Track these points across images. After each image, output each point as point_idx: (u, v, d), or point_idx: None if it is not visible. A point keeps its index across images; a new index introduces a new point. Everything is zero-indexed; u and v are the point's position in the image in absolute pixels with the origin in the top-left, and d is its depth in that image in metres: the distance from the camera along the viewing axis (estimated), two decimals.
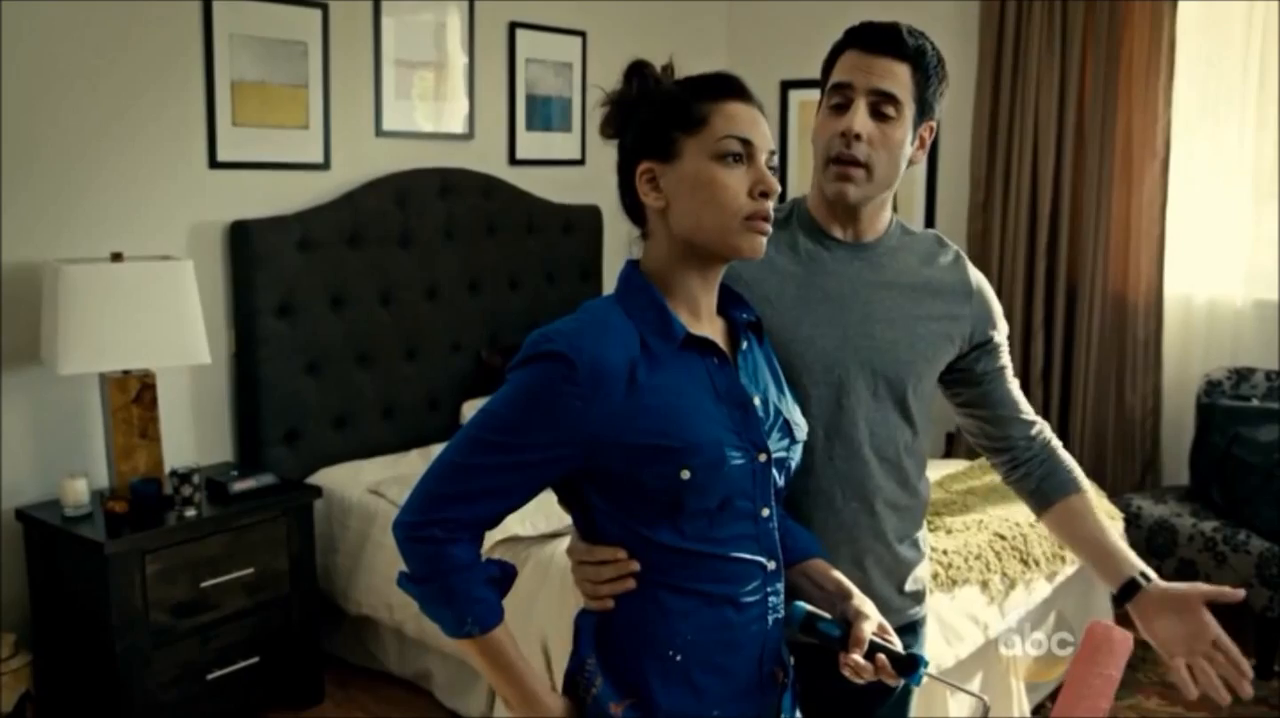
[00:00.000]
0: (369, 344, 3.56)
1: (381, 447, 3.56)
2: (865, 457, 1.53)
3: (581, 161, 4.31)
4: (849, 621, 1.28)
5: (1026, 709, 2.72)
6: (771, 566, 1.31)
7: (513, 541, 2.80)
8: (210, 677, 2.84)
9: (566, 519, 1.39)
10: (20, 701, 2.76)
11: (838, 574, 1.38)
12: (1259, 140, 3.91)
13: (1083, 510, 1.67)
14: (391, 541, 1.27)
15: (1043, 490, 1.69)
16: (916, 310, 1.54)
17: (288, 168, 3.41)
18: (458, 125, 3.93)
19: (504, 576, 1.28)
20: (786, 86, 4.80)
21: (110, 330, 2.72)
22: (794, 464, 1.37)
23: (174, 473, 2.85)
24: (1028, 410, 1.70)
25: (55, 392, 2.92)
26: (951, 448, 4.36)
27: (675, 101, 1.28)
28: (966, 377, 1.64)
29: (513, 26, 4.07)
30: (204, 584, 2.81)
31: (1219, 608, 1.53)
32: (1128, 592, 1.59)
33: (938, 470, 3.27)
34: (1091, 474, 4.01)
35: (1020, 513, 3.07)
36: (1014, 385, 1.69)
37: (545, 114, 4.23)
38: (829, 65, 1.53)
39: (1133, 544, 3.49)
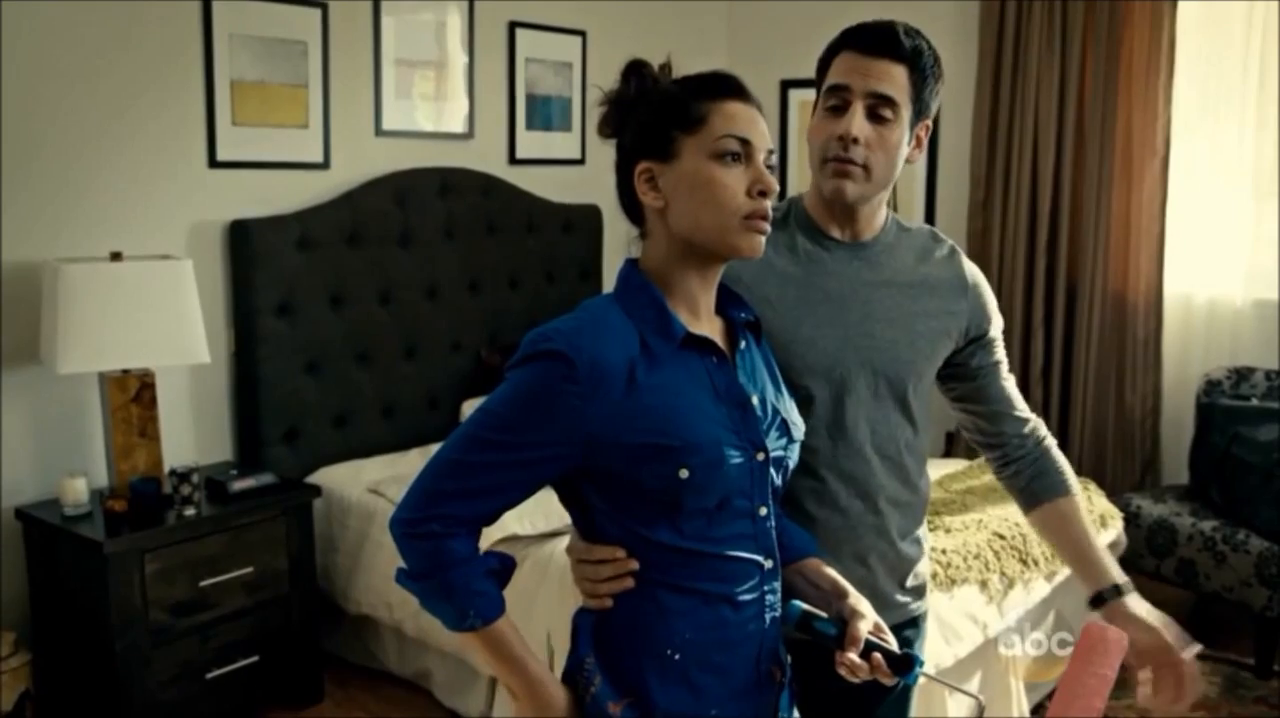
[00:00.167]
0: (369, 343, 3.56)
1: (381, 446, 3.56)
2: (867, 456, 1.53)
3: (581, 161, 4.31)
4: (845, 619, 1.29)
5: (1025, 709, 2.72)
6: (769, 564, 1.32)
7: (512, 539, 2.80)
8: (209, 676, 2.84)
9: (566, 518, 1.39)
10: (20, 699, 2.76)
11: (833, 573, 1.38)
12: (1259, 139, 3.91)
13: (1070, 514, 1.68)
14: (391, 539, 1.27)
15: (1032, 489, 1.69)
16: (914, 308, 1.55)
17: (287, 167, 3.41)
18: (458, 125, 3.94)
19: (503, 567, 1.28)
20: (786, 86, 4.80)
21: (110, 330, 2.72)
22: (792, 463, 1.37)
23: (173, 472, 2.85)
24: (1023, 408, 1.70)
25: (55, 391, 2.93)
26: (951, 447, 4.36)
27: (673, 101, 1.28)
28: (961, 371, 1.64)
29: (512, 26, 4.07)
30: (203, 583, 2.81)
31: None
32: (1098, 601, 1.65)
33: (937, 470, 3.27)
34: (1091, 474, 4.03)
35: (1019, 513, 3.06)
36: (1009, 382, 1.69)
37: (545, 113, 4.23)
38: (824, 65, 1.53)
39: (1132, 543, 3.53)
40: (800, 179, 4.79)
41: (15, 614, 2.88)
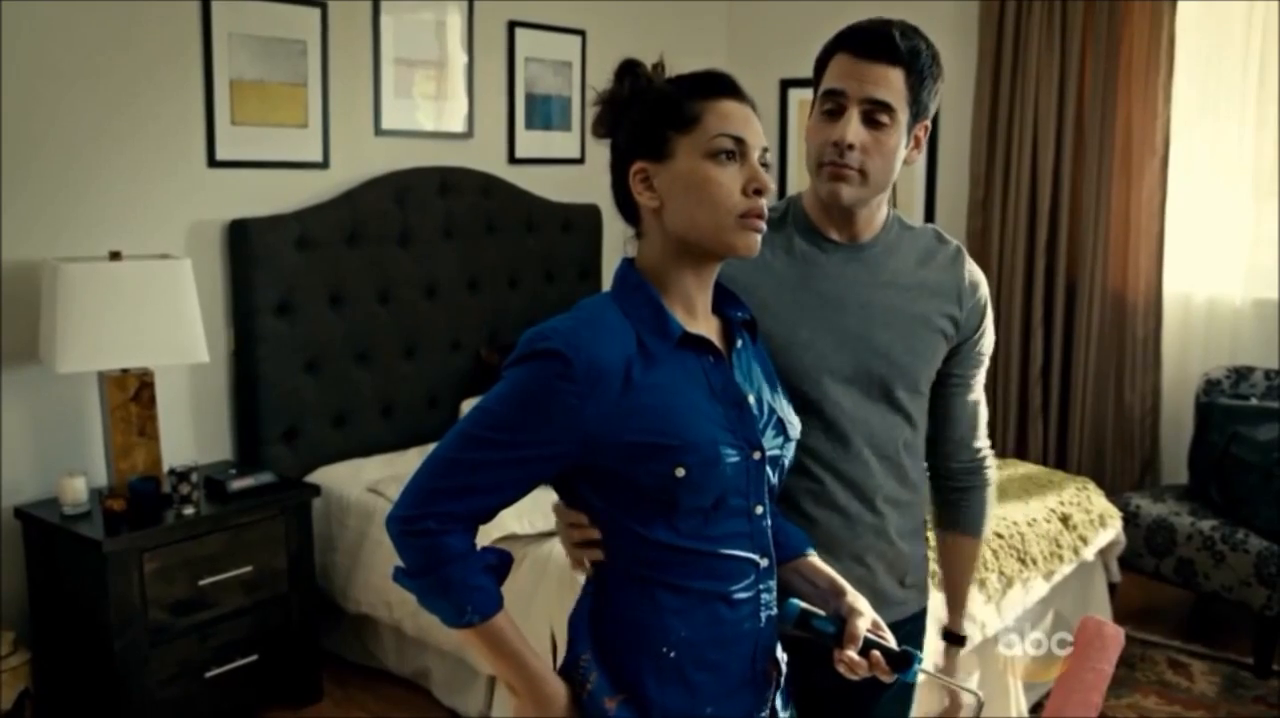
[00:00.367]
0: (368, 343, 3.56)
1: (380, 445, 3.56)
2: (865, 457, 1.53)
3: (581, 160, 4.31)
4: (843, 617, 1.29)
5: (1024, 709, 2.71)
6: (764, 563, 1.32)
7: (511, 539, 2.80)
8: (209, 675, 2.84)
9: None
10: (19, 698, 2.76)
11: (830, 571, 1.39)
12: (1259, 139, 3.91)
13: (969, 555, 1.74)
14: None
15: (950, 516, 1.72)
16: (912, 310, 1.54)
17: (286, 166, 3.41)
18: (457, 124, 3.94)
19: (500, 563, 1.28)
20: (786, 85, 4.80)
21: (109, 329, 2.72)
22: (788, 462, 1.37)
23: (172, 471, 2.85)
24: (975, 439, 1.68)
25: (54, 390, 2.93)
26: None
27: (667, 100, 1.28)
28: (935, 380, 1.62)
29: (512, 25, 4.07)
30: (202, 583, 2.81)
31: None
32: (946, 636, 1.79)
33: None
34: (1090, 473, 4.04)
35: (1018, 512, 3.07)
36: (974, 407, 1.67)
37: (545, 113, 4.23)
38: (820, 66, 1.52)
39: (1131, 543, 3.54)
40: (800, 178, 4.79)
41: (15, 613, 2.88)
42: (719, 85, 1.29)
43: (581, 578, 1.34)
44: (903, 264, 1.57)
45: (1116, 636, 1.53)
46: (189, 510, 2.82)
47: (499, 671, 1.30)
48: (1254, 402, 3.69)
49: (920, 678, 1.54)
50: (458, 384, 3.81)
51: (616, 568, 1.28)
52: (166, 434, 3.01)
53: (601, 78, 1.35)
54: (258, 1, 3.26)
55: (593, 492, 1.27)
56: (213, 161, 3.23)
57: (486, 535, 2.71)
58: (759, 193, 1.26)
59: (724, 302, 1.38)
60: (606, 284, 1.36)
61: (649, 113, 1.28)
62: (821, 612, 1.30)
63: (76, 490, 2.77)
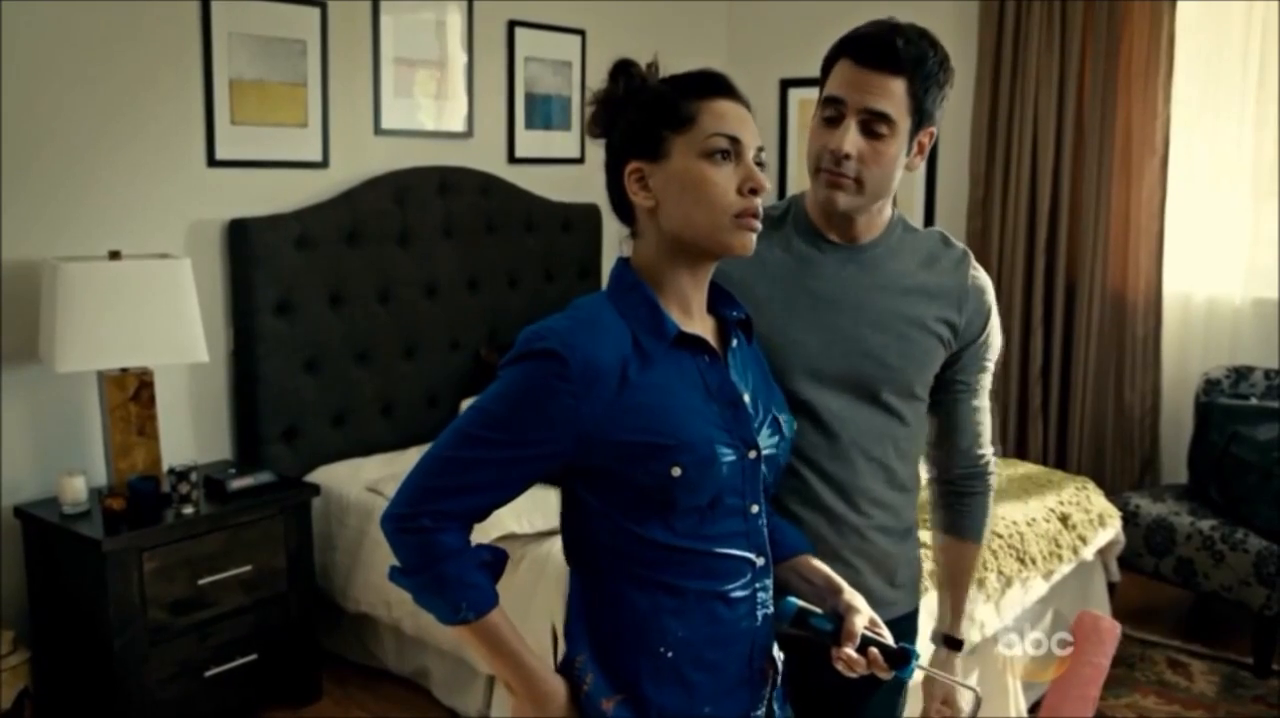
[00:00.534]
0: (368, 342, 3.56)
1: (380, 445, 3.56)
2: (852, 457, 1.53)
3: (580, 160, 4.31)
4: (840, 615, 1.29)
5: (1023, 708, 2.72)
6: (760, 562, 1.32)
7: (510, 538, 2.80)
8: (208, 674, 2.85)
9: None
10: (19, 698, 2.76)
11: (827, 570, 1.39)
12: (1258, 138, 3.91)
13: (968, 560, 1.73)
14: None
15: (950, 521, 1.72)
16: (909, 313, 1.53)
17: (286, 166, 3.41)
18: (457, 124, 3.94)
19: (495, 560, 1.28)
20: (786, 85, 4.80)
21: (108, 328, 2.72)
22: (783, 461, 1.38)
23: (172, 471, 2.85)
24: (978, 446, 1.67)
25: (53, 390, 2.93)
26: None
27: (662, 100, 1.28)
28: (936, 381, 1.62)
29: (512, 25, 4.07)
30: (202, 582, 2.81)
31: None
32: (938, 638, 1.76)
33: None
34: (1090, 472, 4.04)
35: (1017, 512, 3.07)
36: (978, 414, 1.66)
37: (544, 112, 4.23)
38: (825, 69, 1.51)
39: (1131, 543, 3.54)
40: (800, 178, 4.79)
41: (14, 612, 2.88)
42: (714, 85, 1.29)
43: None
44: (903, 267, 1.55)
45: (1113, 629, 1.54)
46: (188, 510, 2.82)
47: (495, 668, 1.30)
48: (1254, 401, 3.69)
49: (918, 676, 1.54)
50: (457, 384, 3.81)
51: (613, 568, 1.28)
52: (166, 434, 3.01)
53: (601, 78, 1.35)
54: (257, 1, 3.27)
55: (589, 491, 1.27)
56: (212, 161, 3.23)
57: (485, 535, 2.73)
58: (754, 192, 1.26)
59: (719, 301, 1.38)
60: (606, 284, 1.36)
61: (644, 112, 1.28)
62: (819, 610, 1.30)
63: (76, 490, 2.77)
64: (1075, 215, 4.21)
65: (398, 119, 3.72)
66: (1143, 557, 3.60)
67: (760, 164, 1.28)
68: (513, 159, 4.12)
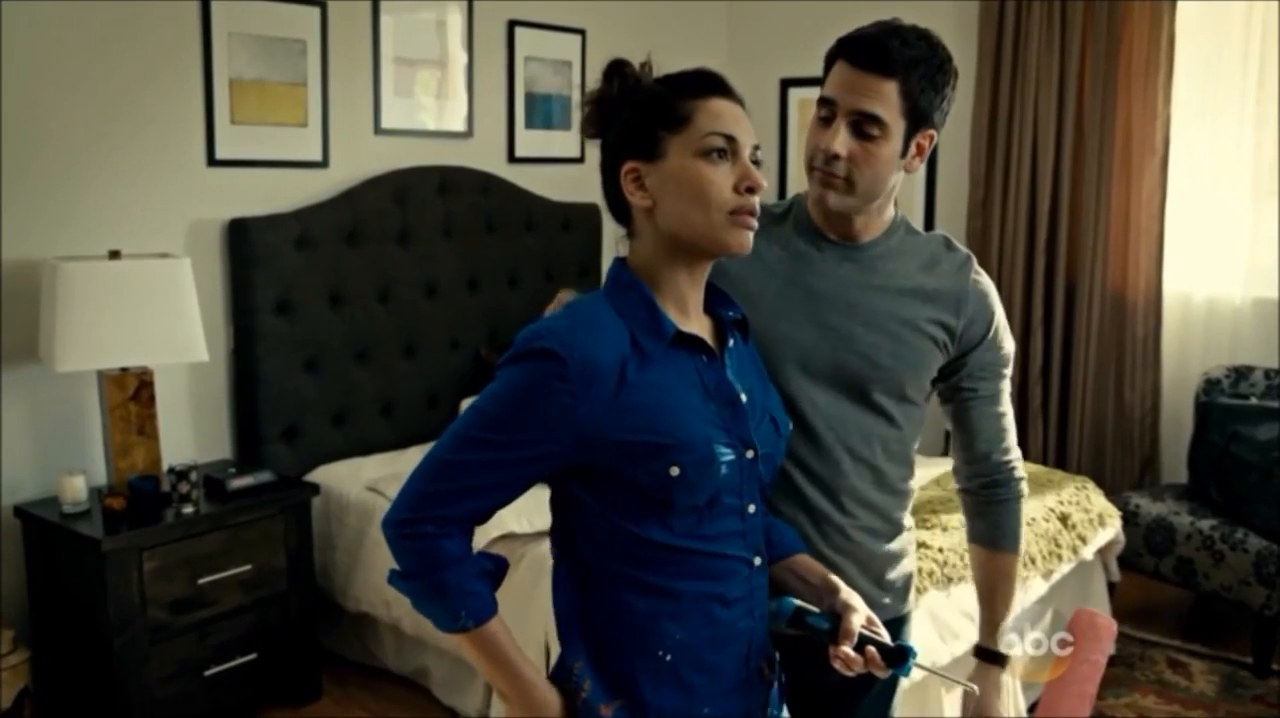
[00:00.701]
0: (368, 342, 3.56)
1: (380, 444, 3.56)
2: (837, 456, 1.52)
3: (580, 159, 4.31)
4: (837, 614, 1.29)
5: (1023, 708, 2.72)
6: (757, 562, 1.32)
7: (509, 538, 2.80)
8: (208, 673, 2.85)
9: None
10: (19, 697, 2.77)
11: (823, 569, 1.39)
12: (1258, 138, 3.91)
13: (1006, 570, 1.68)
14: None
15: (984, 530, 1.68)
16: (904, 314, 1.52)
17: (286, 166, 3.41)
18: (457, 123, 3.94)
19: (496, 568, 1.28)
20: (786, 85, 4.80)
21: (108, 328, 2.72)
22: (779, 461, 1.38)
23: (172, 470, 2.85)
24: (1002, 451, 1.64)
25: (53, 389, 2.93)
26: (950, 446, 4.36)
27: (658, 100, 1.27)
28: (945, 389, 1.61)
29: (512, 25, 4.07)
30: (201, 581, 2.81)
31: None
32: (983, 653, 1.68)
33: (936, 469, 3.27)
34: (1090, 472, 4.04)
35: None
36: (998, 419, 1.63)
37: (545, 112, 4.23)
38: (826, 68, 1.50)
39: (1130, 542, 3.54)
40: (800, 178, 4.79)
41: (14, 612, 2.88)
42: (709, 84, 1.29)
43: None
44: (901, 268, 1.55)
45: (1109, 626, 1.54)
46: (188, 509, 2.83)
47: (491, 676, 1.29)
48: (1254, 401, 3.69)
49: (917, 675, 1.54)
50: (457, 383, 3.81)
51: (609, 569, 1.28)
52: (166, 433, 3.02)
53: (600, 77, 1.35)
54: (257, 1, 3.27)
55: (586, 491, 1.27)
56: (212, 161, 3.23)
57: (485, 534, 2.73)
58: (751, 191, 1.26)
59: (716, 301, 1.37)
60: None
61: (639, 113, 1.28)
62: (815, 609, 1.30)
63: (76, 489, 2.78)
64: (1075, 215, 4.21)
65: (398, 119, 3.73)
66: (1143, 557, 3.60)
67: (757, 163, 1.28)
68: (513, 159, 4.12)
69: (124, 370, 2.85)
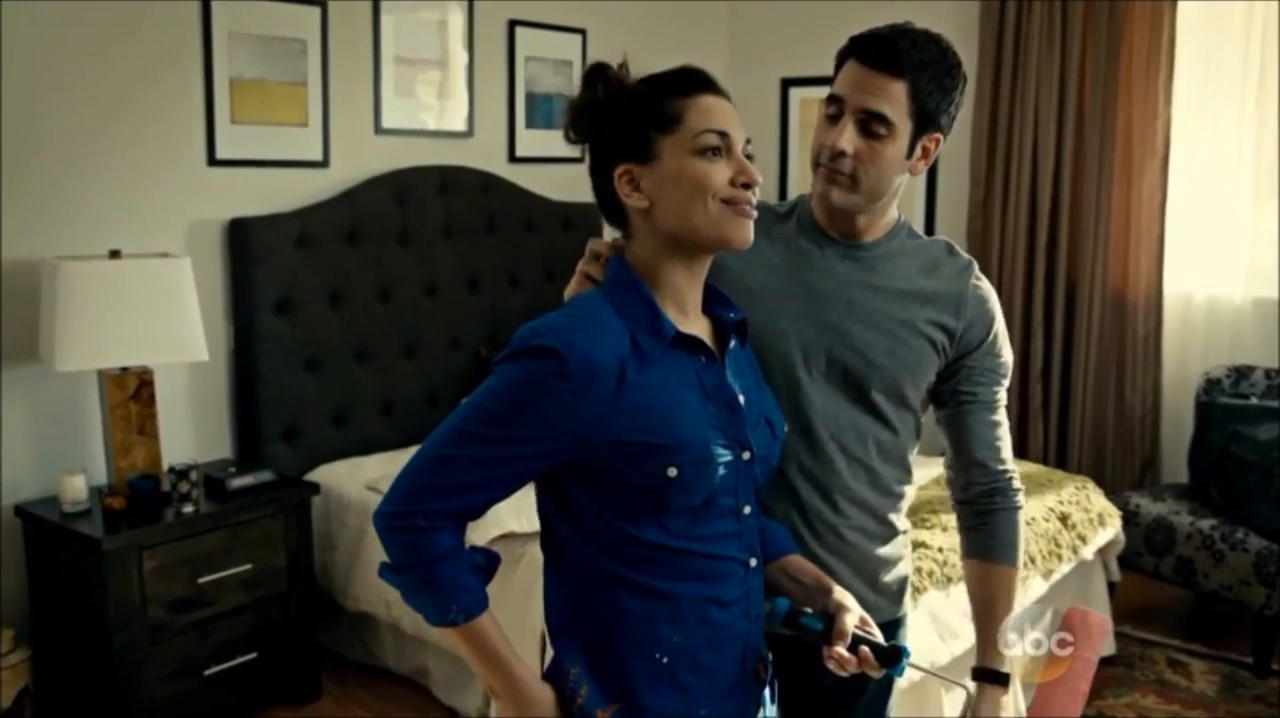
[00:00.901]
0: (368, 341, 3.56)
1: (380, 443, 3.56)
2: (830, 454, 1.51)
3: (581, 159, 4.26)
4: (831, 614, 1.29)
5: (1023, 708, 2.72)
6: (753, 563, 1.32)
7: (509, 537, 2.80)
8: (208, 672, 2.85)
9: None
10: (19, 696, 2.77)
11: (816, 569, 1.39)
12: (1258, 138, 3.91)
13: (1000, 582, 1.60)
14: None
15: (979, 542, 1.62)
16: (902, 316, 1.52)
17: (286, 165, 3.41)
18: (457, 123, 3.94)
19: (488, 563, 1.28)
20: (787, 84, 4.80)
21: (108, 327, 2.72)
22: (774, 462, 1.38)
23: (172, 469, 2.85)
24: (997, 461, 1.60)
25: (54, 389, 2.93)
26: (945, 457, 4.37)
27: (646, 102, 1.27)
28: (940, 395, 1.59)
29: (512, 24, 4.07)
30: (202, 580, 2.82)
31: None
32: (982, 674, 1.59)
33: (936, 468, 3.25)
34: (1091, 472, 4.04)
35: None
36: (993, 428, 1.60)
37: (545, 112, 4.23)
38: (837, 66, 1.50)
39: (1131, 542, 3.54)
40: (800, 177, 4.79)
41: (14, 611, 2.89)
42: (696, 81, 1.28)
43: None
44: (903, 270, 1.55)
45: (1101, 624, 1.53)
46: (188, 509, 2.83)
47: (481, 672, 1.28)
48: (1254, 401, 3.69)
49: (915, 675, 1.54)
50: (457, 383, 3.81)
51: (605, 570, 1.27)
52: (166, 432, 3.02)
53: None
54: (258, 1, 3.27)
55: (582, 490, 1.26)
56: (213, 160, 3.23)
57: (484, 533, 2.73)
58: (747, 186, 1.26)
59: (714, 302, 1.37)
60: None
61: (628, 116, 1.28)
62: (809, 609, 1.30)
63: (76, 489, 2.78)
64: (1076, 216, 4.21)
65: (398, 118, 3.73)
66: (1143, 556, 3.60)
67: (750, 157, 1.28)
68: (513, 158, 4.12)
69: (124, 370, 2.85)
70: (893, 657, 1.26)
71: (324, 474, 3.34)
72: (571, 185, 4.24)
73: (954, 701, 2.56)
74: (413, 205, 3.67)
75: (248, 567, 2.91)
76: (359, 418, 3.55)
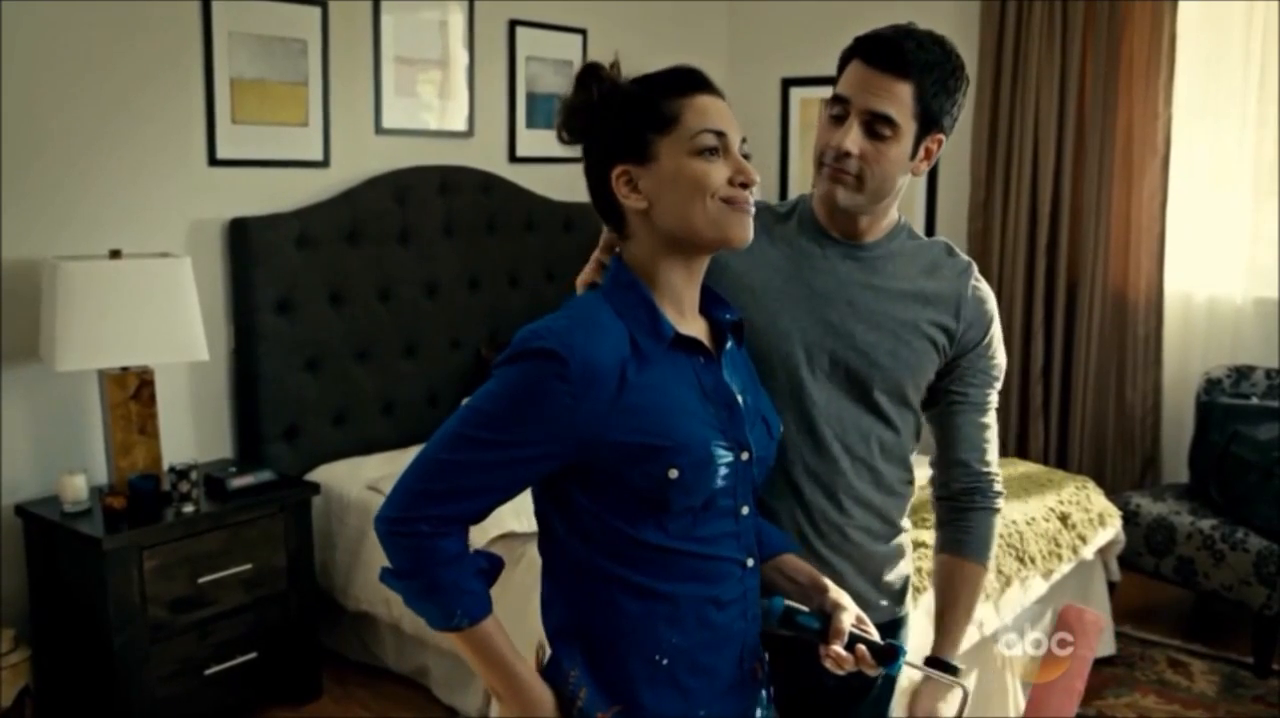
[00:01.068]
0: (368, 341, 3.56)
1: (380, 443, 3.57)
2: (835, 454, 1.52)
3: (581, 159, 4.30)
4: (826, 613, 1.29)
5: (1023, 707, 2.72)
6: (750, 563, 1.32)
7: (509, 537, 2.80)
8: (208, 672, 2.85)
9: None
10: (19, 696, 2.77)
11: (811, 568, 1.39)
12: (1259, 138, 3.91)
13: (967, 579, 1.61)
14: None
15: (954, 538, 1.63)
16: (903, 316, 1.52)
17: (287, 165, 3.41)
18: (458, 123, 3.94)
19: (492, 567, 1.28)
20: (788, 84, 4.80)
21: (109, 327, 2.72)
22: (771, 463, 1.38)
23: (172, 469, 2.86)
24: (982, 462, 1.61)
25: (54, 388, 2.93)
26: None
27: (641, 103, 1.27)
28: (932, 394, 1.59)
29: (513, 24, 4.07)
30: (202, 580, 2.82)
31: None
32: (934, 662, 1.59)
33: None
34: (1091, 472, 4.04)
35: (1016, 511, 3.07)
36: (981, 430, 1.61)
37: (545, 112, 4.23)
38: (840, 66, 1.50)
39: (1131, 542, 3.54)
40: (801, 177, 4.79)
41: (15, 611, 2.89)
42: (691, 81, 1.28)
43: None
44: (903, 270, 1.55)
45: (1097, 621, 1.54)
46: (189, 508, 2.83)
47: (484, 675, 1.28)
48: (1254, 401, 3.69)
49: (916, 675, 1.54)
50: (458, 383, 3.81)
51: (604, 572, 1.27)
52: (166, 432, 3.02)
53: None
54: (258, 0, 3.27)
55: (581, 492, 1.26)
56: (213, 160, 3.23)
57: (484, 534, 2.73)
58: (744, 185, 1.26)
59: (711, 304, 1.37)
60: None
61: (624, 117, 1.27)
62: (805, 608, 1.30)
63: (77, 488, 2.78)
64: (1076, 216, 4.21)
65: (398, 118, 3.73)
66: (1143, 556, 3.60)
67: (746, 156, 1.28)
68: (514, 158, 4.12)
69: (125, 370, 2.85)
70: (889, 655, 1.26)
71: (324, 474, 3.34)
72: (572, 185, 4.22)
73: (953, 701, 2.56)
74: (413, 205, 3.67)
75: (248, 567, 2.91)
76: (359, 418, 3.55)
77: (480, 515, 1.25)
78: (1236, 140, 3.96)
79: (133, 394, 2.86)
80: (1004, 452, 4.20)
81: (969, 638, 2.64)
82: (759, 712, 1.38)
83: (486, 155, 4.01)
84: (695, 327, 1.33)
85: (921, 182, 4.52)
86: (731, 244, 1.28)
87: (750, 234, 1.28)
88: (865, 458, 1.54)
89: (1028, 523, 3.02)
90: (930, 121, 1.48)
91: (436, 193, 3.76)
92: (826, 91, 1.52)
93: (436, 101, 3.88)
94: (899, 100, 1.44)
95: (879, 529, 1.58)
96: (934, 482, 1.66)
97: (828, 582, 1.35)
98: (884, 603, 1.60)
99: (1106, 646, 3.40)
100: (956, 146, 4.39)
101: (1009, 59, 4.22)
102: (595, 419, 1.20)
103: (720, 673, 1.30)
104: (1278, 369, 3.81)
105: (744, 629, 1.31)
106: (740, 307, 1.43)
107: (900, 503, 1.61)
